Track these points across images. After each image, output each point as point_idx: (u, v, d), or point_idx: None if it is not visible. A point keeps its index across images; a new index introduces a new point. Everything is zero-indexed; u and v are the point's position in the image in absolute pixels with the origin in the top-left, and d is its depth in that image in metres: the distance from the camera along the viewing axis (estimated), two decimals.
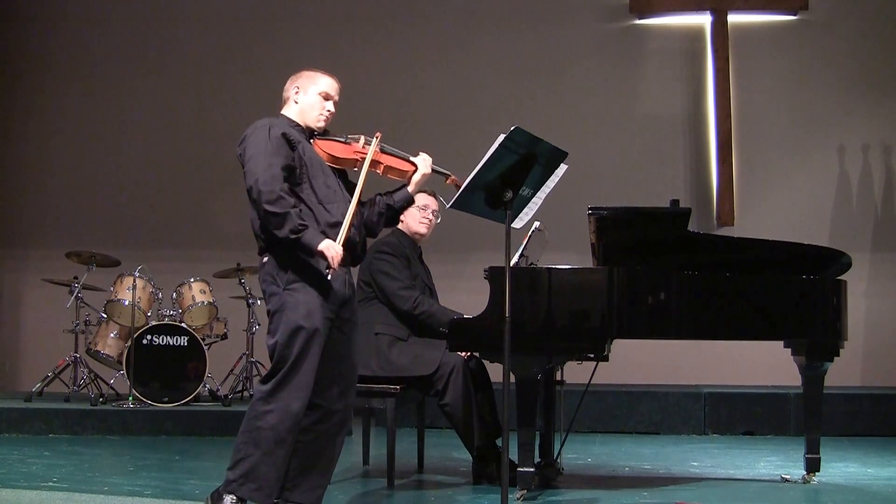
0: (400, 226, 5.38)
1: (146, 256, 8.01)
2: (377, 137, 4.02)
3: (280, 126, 3.87)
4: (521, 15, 8.91)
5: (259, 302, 7.43)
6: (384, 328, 5.18)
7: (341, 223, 3.80)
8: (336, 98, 4.03)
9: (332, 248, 3.70)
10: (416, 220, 5.35)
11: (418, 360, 5.10)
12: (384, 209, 4.10)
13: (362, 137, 4.04)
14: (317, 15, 8.89)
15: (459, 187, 4.14)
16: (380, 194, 4.14)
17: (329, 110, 4.01)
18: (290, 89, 4.02)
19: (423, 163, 4.08)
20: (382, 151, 4.05)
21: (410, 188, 4.11)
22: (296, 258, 3.77)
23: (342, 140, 4.06)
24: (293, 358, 3.71)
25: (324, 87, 3.99)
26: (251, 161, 3.75)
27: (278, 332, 3.74)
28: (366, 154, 3.97)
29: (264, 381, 3.77)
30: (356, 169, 4.02)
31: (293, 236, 3.69)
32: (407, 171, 4.11)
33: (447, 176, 4.21)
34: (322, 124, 4.01)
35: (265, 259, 3.84)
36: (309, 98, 3.98)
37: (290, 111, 4.02)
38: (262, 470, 3.62)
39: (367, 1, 9.03)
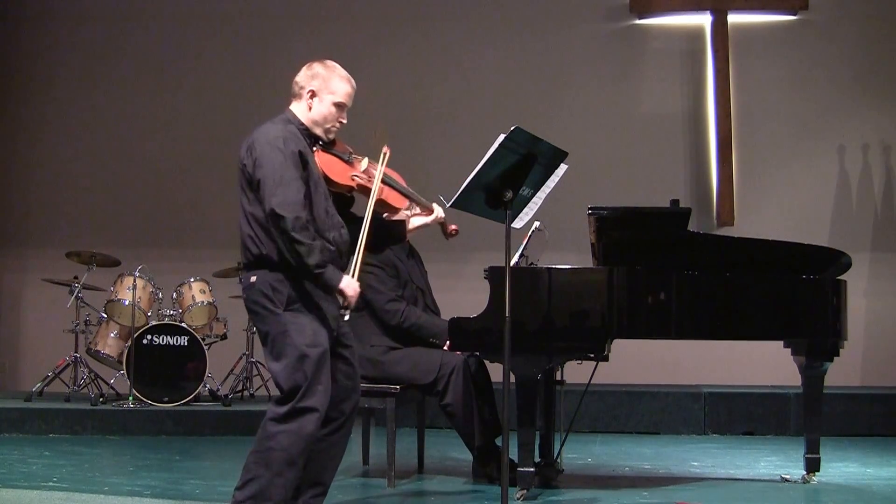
0: None
1: (146, 256, 8.01)
2: (385, 155, 3.81)
3: (294, 140, 3.62)
4: (521, 15, 8.90)
5: None
6: (378, 339, 5.14)
7: (338, 251, 3.68)
8: (350, 104, 3.79)
9: (351, 287, 3.61)
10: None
11: (417, 369, 5.08)
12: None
13: (366, 159, 3.79)
14: (320, 16, 8.88)
15: (456, 234, 4.23)
16: None
17: (341, 122, 3.78)
18: (305, 87, 3.74)
19: (439, 211, 4.09)
20: (385, 183, 3.80)
21: (410, 228, 4.17)
22: (295, 277, 3.58)
23: (345, 158, 3.81)
24: (307, 382, 3.54)
25: (340, 98, 3.74)
26: (271, 180, 3.50)
27: (284, 356, 3.56)
28: (362, 181, 3.76)
29: (280, 403, 3.59)
30: (348, 194, 3.84)
31: (318, 271, 3.52)
32: (399, 209, 4.00)
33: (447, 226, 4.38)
34: (332, 136, 3.80)
35: (253, 278, 3.61)
36: (323, 107, 3.73)
37: (300, 111, 3.76)
38: (271, 492, 3.50)
39: (371, 3, 9.03)
